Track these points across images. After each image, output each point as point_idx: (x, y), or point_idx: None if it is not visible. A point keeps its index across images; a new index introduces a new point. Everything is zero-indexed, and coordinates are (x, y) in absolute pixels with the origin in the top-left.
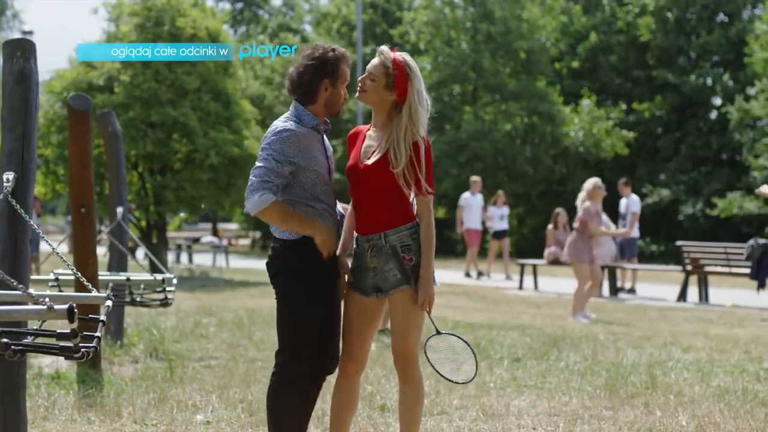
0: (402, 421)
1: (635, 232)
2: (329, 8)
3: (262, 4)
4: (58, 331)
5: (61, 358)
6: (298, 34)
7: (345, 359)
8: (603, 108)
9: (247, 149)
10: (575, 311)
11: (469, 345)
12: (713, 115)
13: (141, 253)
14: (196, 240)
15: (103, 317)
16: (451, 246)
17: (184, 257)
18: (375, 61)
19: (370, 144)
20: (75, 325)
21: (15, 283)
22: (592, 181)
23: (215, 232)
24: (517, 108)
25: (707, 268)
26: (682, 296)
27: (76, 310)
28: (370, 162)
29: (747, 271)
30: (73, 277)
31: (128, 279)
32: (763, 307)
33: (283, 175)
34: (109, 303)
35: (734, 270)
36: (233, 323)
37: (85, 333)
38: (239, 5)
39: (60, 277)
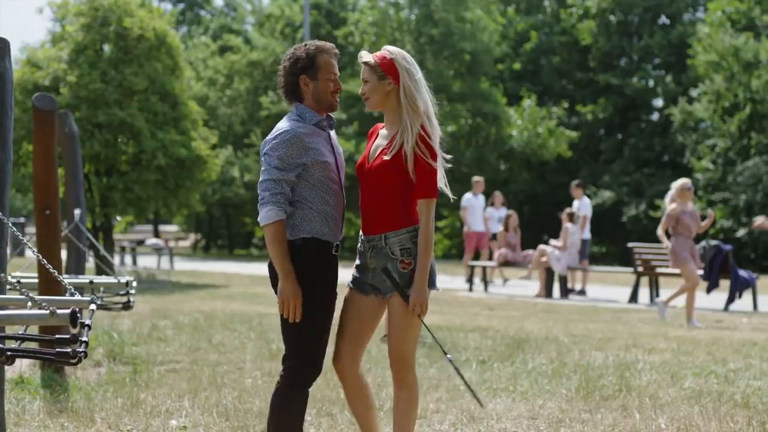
0: (396, 426)
1: (587, 234)
2: (272, 9)
3: (204, 4)
4: (57, 336)
5: (26, 361)
6: (240, 35)
7: (340, 361)
8: (545, 108)
9: (194, 150)
10: (690, 317)
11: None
12: (655, 117)
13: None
14: (141, 242)
15: (89, 321)
16: None
17: (128, 259)
18: (362, 68)
19: (380, 143)
20: (77, 330)
21: (21, 289)
22: (680, 182)
23: (156, 234)
24: (462, 109)
25: (658, 270)
26: (634, 297)
27: (79, 315)
28: (377, 161)
29: (699, 272)
30: (34, 281)
31: (91, 282)
32: (715, 309)
33: (290, 181)
34: (93, 307)
35: None
36: (190, 326)
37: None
38: (181, 6)
39: (21, 281)
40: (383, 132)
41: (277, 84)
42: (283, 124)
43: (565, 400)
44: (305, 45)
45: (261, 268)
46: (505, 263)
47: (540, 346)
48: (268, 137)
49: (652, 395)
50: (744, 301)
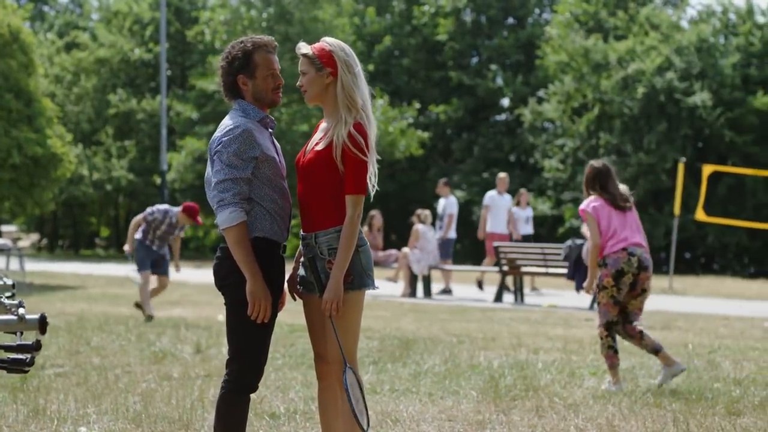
0: (341, 429)
1: (452, 233)
2: (119, 6)
3: (49, 0)
4: (19, 343)
5: None
6: (87, 32)
7: (317, 361)
8: (397, 108)
9: (50, 148)
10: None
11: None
12: (504, 117)
13: None
14: None
15: None
16: None
17: None
18: (300, 60)
19: (318, 137)
20: (42, 336)
21: None
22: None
23: None
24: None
25: (524, 269)
26: (499, 297)
27: (47, 321)
28: (309, 154)
29: (563, 271)
30: None
31: None
32: (580, 307)
33: (247, 179)
34: (21, 310)
35: (551, 270)
36: (64, 329)
37: None
38: (23, 1)
39: None
40: (322, 125)
41: (126, 81)
42: (229, 121)
43: (475, 401)
44: (241, 42)
45: (112, 269)
46: None
47: (428, 347)
48: (217, 135)
49: (559, 395)
50: None
